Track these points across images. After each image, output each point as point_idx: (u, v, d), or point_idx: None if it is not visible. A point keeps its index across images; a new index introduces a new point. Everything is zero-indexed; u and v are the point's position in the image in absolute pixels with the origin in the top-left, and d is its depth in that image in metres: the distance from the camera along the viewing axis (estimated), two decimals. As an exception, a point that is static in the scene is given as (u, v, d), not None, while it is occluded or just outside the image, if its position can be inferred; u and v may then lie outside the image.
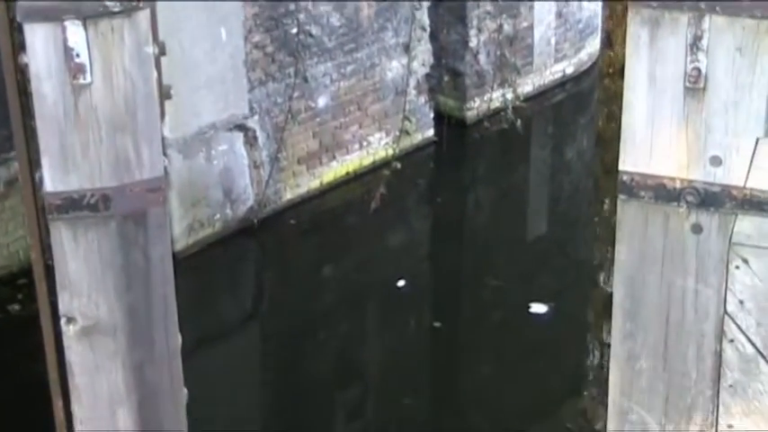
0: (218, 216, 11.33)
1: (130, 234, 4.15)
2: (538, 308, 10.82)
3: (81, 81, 3.93)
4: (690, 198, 4.05)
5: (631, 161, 4.08)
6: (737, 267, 4.06)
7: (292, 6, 11.71)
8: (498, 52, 13.88)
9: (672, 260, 4.15)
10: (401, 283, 11.13)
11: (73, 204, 4.06)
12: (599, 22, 14.67)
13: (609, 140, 13.33)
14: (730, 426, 4.40)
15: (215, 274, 10.96)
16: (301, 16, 11.78)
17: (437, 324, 10.81)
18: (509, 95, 13.72)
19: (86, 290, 4.19)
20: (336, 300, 10.93)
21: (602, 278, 10.60)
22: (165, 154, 4.27)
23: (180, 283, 4.46)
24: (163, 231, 4.23)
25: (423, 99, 13.33)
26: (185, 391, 4.48)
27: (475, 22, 13.66)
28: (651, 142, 4.04)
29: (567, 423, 9.45)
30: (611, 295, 4.46)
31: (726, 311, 4.14)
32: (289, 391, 9.48)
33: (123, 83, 3.99)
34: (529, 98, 13.96)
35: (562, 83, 14.70)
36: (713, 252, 4.08)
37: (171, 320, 4.35)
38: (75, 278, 4.17)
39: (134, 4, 3.94)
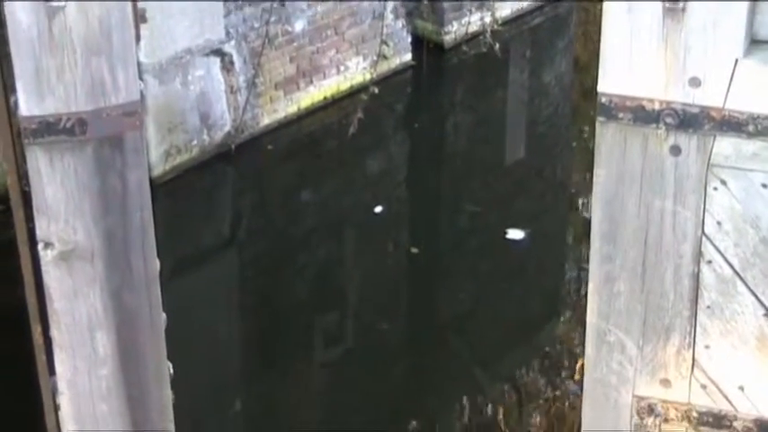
0: (194, 142, 11.29)
1: (107, 158, 4.12)
2: (515, 233, 10.84)
3: (55, 3, 3.88)
4: (668, 119, 4.04)
5: (610, 82, 4.06)
6: (715, 189, 4.07)
7: (268, -71, 11.59)
8: (475, -24, 13.80)
9: (650, 182, 4.16)
10: (378, 208, 11.14)
11: (48, 128, 4.03)
12: (576, -56, 14.59)
13: (586, 64, 13.33)
14: (707, 346, 4.43)
15: (192, 200, 10.94)
16: (277, -61, 11.68)
17: (414, 250, 10.83)
18: (487, 19, 13.64)
19: (63, 215, 4.17)
20: (314, 225, 10.93)
21: (579, 202, 10.61)
22: (140, 79, 4.23)
23: (157, 208, 4.45)
24: (139, 156, 4.20)
25: (400, 23, 13.26)
26: (164, 315, 4.48)
27: (452, -55, 13.57)
28: (630, 63, 4.03)
29: (546, 347, 9.53)
30: (589, 219, 4.46)
31: (703, 233, 4.15)
32: (267, 316, 9.52)
33: (98, 5, 3.94)
34: (507, 22, 13.89)
35: (540, 6, 14.63)
36: (691, 174, 4.08)
37: (149, 245, 4.33)
38: (52, 203, 4.14)
39: (107, -76, 3.89)
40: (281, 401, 8.83)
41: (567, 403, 8.63)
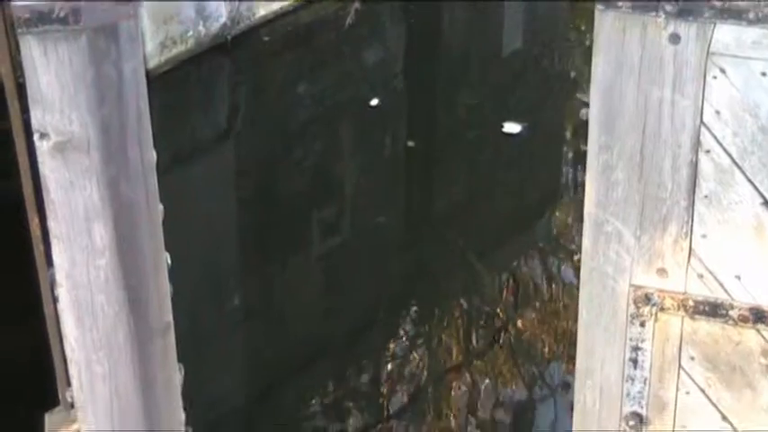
0: (190, 33, 11.20)
1: (102, 48, 4.08)
2: (511, 126, 10.81)
3: None
4: (668, 7, 4.00)
5: (609, -31, 4.03)
6: (714, 77, 4.04)
7: None
8: None
9: (649, 71, 4.13)
10: (375, 101, 11.09)
11: (41, 18, 3.99)
12: None
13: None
14: (704, 236, 4.44)
15: (188, 92, 10.89)
16: None
17: (411, 143, 10.81)
18: None
19: (58, 105, 4.14)
20: (310, 117, 10.89)
21: (577, 92, 10.56)
22: (135, -33, 4.17)
23: (153, 100, 4.41)
24: (135, 45, 4.16)
25: None
26: (161, 206, 4.47)
27: None
28: (630, -51, 3.98)
29: (543, 237, 9.56)
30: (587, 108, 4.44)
31: (702, 122, 4.14)
32: (264, 208, 9.52)
33: None
34: None
35: None
36: (690, 62, 4.05)
37: (145, 136, 4.31)
38: (47, 93, 4.12)
39: None
40: (279, 293, 8.87)
41: (563, 293, 8.68)
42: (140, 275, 4.38)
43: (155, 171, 4.40)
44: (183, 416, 4.97)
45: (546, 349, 8.31)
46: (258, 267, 9.01)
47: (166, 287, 4.54)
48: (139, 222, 4.33)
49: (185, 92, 10.82)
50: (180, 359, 4.85)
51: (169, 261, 4.55)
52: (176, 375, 4.76)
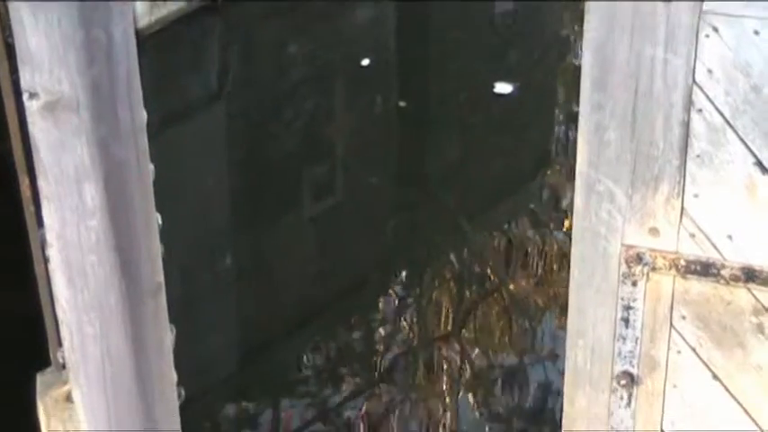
0: (180, -7, 11.15)
1: (91, 9, 4.05)
2: (503, 87, 10.78)
3: None
4: (661, -34, 3.99)
5: (602, -74, 4.01)
6: (707, 36, 4.03)
7: None
8: None
9: (641, 30, 4.11)
10: (366, 61, 11.06)
11: (31, -22, 3.96)
12: None
13: None
14: (696, 195, 4.44)
15: (179, 52, 10.85)
16: None
17: (402, 103, 10.78)
18: None
19: (48, 65, 4.11)
20: (301, 78, 10.86)
21: (570, 52, 10.53)
22: (123, -74, 4.14)
23: (143, 60, 4.38)
24: (125, 6, 4.13)
25: None
26: (152, 166, 4.45)
27: None
28: None
29: (535, 198, 9.56)
30: (579, 68, 4.43)
31: (694, 81, 4.13)
32: (256, 169, 9.50)
33: None
34: None
35: None
36: (683, 21, 4.04)
37: (135, 96, 4.29)
38: (36, 54, 4.09)
39: None
40: (270, 254, 8.87)
41: (555, 254, 8.69)
42: (131, 236, 4.37)
43: (145, 131, 4.38)
44: (174, 377, 4.97)
45: (538, 310, 8.33)
46: (249, 228, 9.00)
47: (157, 248, 4.52)
48: (130, 183, 4.31)
49: (176, 52, 10.78)
50: (172, 320, 4.84)
51: (160, 221, 4.53)
52: (168, 336, 4.76)
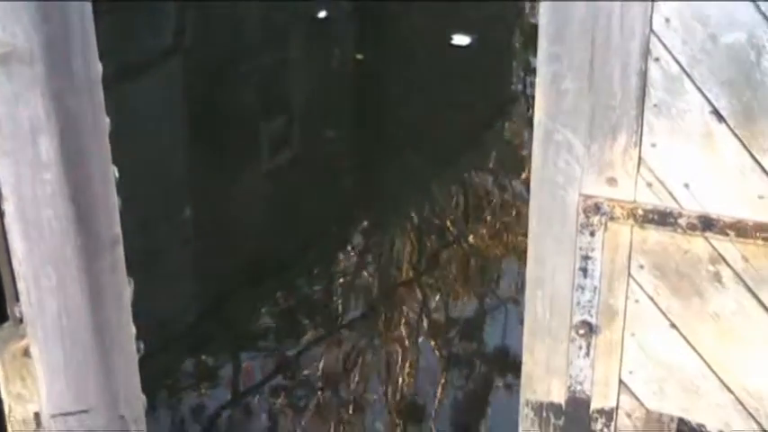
0: (135, -54, 11.03)
1: (44, -39, 4.02)
2: (461, 39, 10.76)
3: None
4: None
5: None
6: (665, -15, 4.03)
7: None
8: None
9: (598, -21, 4.11)
10: (322, 13, 11.00)
11: (-18, -71, 3.91)
12: None
13: None
14: (654, 145, 4.45)
15: (135, 9, 10.74)
16: None
17: (359, 56, 10.74)
18: None
19: (1, 19, 4.08)
20: (258, 31, 10.78)
21: (527, 7, 10.52)
22: None
23: (99, 17, 4.35)
24: (78, -43, 4.10)
25: None
26: (107, 120, 4.42)
27: None
28: None
29: (494, 150, 9.58)
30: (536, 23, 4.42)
31: (652, 30, 4.13)
32: (213, 123, 9.45)
33: None
34: None
35: None
36: (641, -30, 4.04)
37: (89, 49, 4.26)
38: (-11, 6, 4.05)
39: None
40: (229, 207, 8.84)
41: (514, 205, 8.71)
42: (87, 189, 4.35)
43: (100, 85, 4.35)
44: (133, 330, 4.96)
45: (498, 261, 8.36)
46: (207, 182, 8.96)
47: (114, 200, 4.51)
48: (85, 136, 4.29)
49: (132, 9, 10.67)
50: (130, 273, 4.83)
51: (116, 174, 4.51)
52: (126, 289, 4.75)
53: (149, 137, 8.67)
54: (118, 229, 4.56)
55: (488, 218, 8.87)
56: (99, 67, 4.35)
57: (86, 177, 4.32)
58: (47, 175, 4.24)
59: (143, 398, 5.11)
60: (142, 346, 5.03)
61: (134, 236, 4.92)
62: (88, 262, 4.46)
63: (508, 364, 6.95)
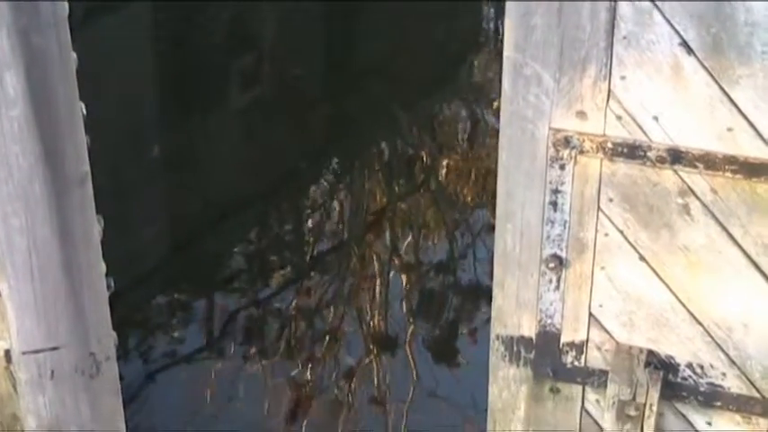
0: None
1: None
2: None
3: None
4: None
5: None
6: None
7: None
8: None
9: None
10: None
11: None
12: None
13: None
14: (623, 77, 4.44)
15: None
16: None
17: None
18: None
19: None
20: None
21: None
22: None
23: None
24: None
25: None
26: (75, 57, 4.39)
27: None
28: None
29: (464, 85, 9.56)
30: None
31: (621, -37, 4.11)
32: (182, 61, 9.39)
33: None
34: None
35: None
36: None
37: (55, -16, 4.23)
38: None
39: None
40: (199, 145, 8.81)
41: (485, 140, 8.72)
42: (55, 126, 4.33)
43: (67, 22, 4.32)
44: (103, 267, 4.95)
45: (468, 195, 8.37)
46: (177, 119, 8.93)
47: (82, 137, 4.48)
48: (52, 72, 4.26)
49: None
50: (99, 212, 4.81)
51: (84, 111, 4.48)
52: (95, 227, 4.73)
53: (119, 74, 8.61)
54: (86, 167, 4.54)
55: (460, 152, 8.87)
56: (65, 5, 4.32)
57: (53, 114, 4.30)
58: (13, 111, 4.22)
59: (114, 335, 5.12)
60: (112, 283, 5.03)
61: (104, 175, 4.91)
62: (57, 199, 4.44)
63: (480, 298, 6.98)
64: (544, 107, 4.64)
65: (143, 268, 7.41)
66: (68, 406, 4.98)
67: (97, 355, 4.98)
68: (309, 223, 8.13)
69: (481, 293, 6.88)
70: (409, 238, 7.91)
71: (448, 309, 7.25)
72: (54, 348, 4.75)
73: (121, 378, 5.67)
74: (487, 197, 7.87)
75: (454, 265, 7.65)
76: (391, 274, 7.57)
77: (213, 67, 9.44)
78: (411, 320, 7.11)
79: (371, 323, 7.13)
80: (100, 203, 4.76)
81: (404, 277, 7.53)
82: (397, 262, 7.68)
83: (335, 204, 8.34)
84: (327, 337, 7.01)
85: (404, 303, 7.28)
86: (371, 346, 6.90)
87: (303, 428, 6.32)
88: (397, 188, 8.55)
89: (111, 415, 5.25)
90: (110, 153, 7.88)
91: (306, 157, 8.71)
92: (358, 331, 7.06)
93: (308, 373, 6.70)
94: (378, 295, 7.35)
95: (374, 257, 7.71)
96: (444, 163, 8.73)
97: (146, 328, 7.08)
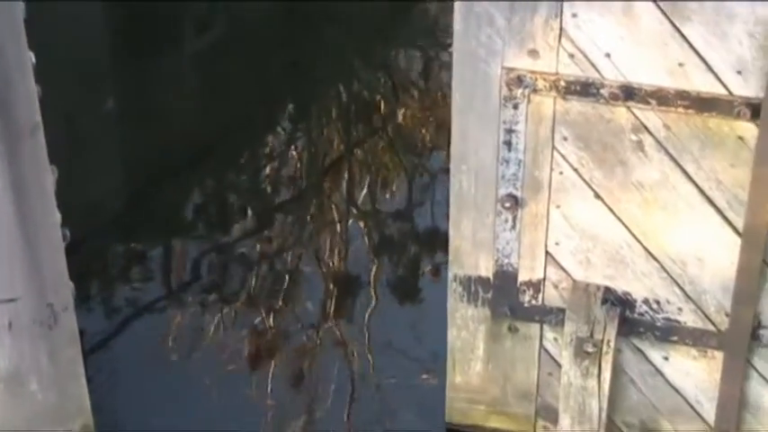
0: None
1: None
2: None
3: None
4: None
5: None
6: None
7: None
8: None
9: None
10: None
11: None
12: None
13: None
14: (574, 15, 4.46)
15: None
16: None
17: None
18: None
19: None
20: None
21: None
22: None
23: None
24: None
25: None
26: (22, 5, 4.36)
27: None
28: None
29: (418, 25, 9.55)
30: None
31: None
32: (133, 6, 9.26)
33: None
34: None
35: None
36: None
37: None
38: None
39: None
40: (153, 92, 8.74)
41: (442, 84, 8.71)
42: (4, 75, 4.29)
43: (12, -32, 4.28)
44: (58, 217, 4.93)
45: (425, 138, 8.36)
46: (131, 67, 8.84)
47: (32, 87, 4.45)
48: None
49: None
50: (54, 162, 4.79)
51: (33, 60, 4.45)
52: (49, 176, 4.71)
53: (68, 21, 8.51)
54: (38, 117, 4.51)
55: (416, 96, 8.85)
56: (10, -48, 4.27)
57: (2, 64, 4.26)
58: (-40, 61, 4.18)
59: (71, 285, 5.10)
60: (68, 233, 5.00)
61: (58, 125, 4.87)
62: (8, 149, 4.41)
63: (437, 242, 6.99)
64: (496, 46, 4.64)
65: (100, 219, 7.36)
66: (27, 357, 4.98)
67: (55, 305, 4.97)
68: (267, 170, 8.10)
69: (441, 236, 6.89)
70: (367, 183, 7.90)
71: (408, 251, 7.26)
72: (11, 300, 4.74)
73: (82, 330, 5.68)
74: (445, 140, 7.88)
75: (412, 209, 7.65)
76: (352, 217, 7.57)
77: (165, 12, 9.33)
78: (372, 264, 7.12)
79: (333, 268, 7.13)
80: (54, 154, 4.72)
81: (363, 220, 7.53)
82: (355, 207, 7.68)
83: (293, 151, 8.31)
84: (289, 284, 7.00)
85: (364, 247, 7.29)
86: (333, 290, 6.90)
87: (269, 375, 6.33)
88: (354, 133, 8.53)
89: (71, 365, 5.25)
90: (62, 104, 7.82)
91: (262, 104, 8.65)
92: (319, 276, 7.06)
93: (271, 320, 6.70)
94: (338, 240, 7.35)
95: (333, 203, 7.70)
96: (401, 107, 8.71)
97: (105, 279, 7.04)
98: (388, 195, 7.84)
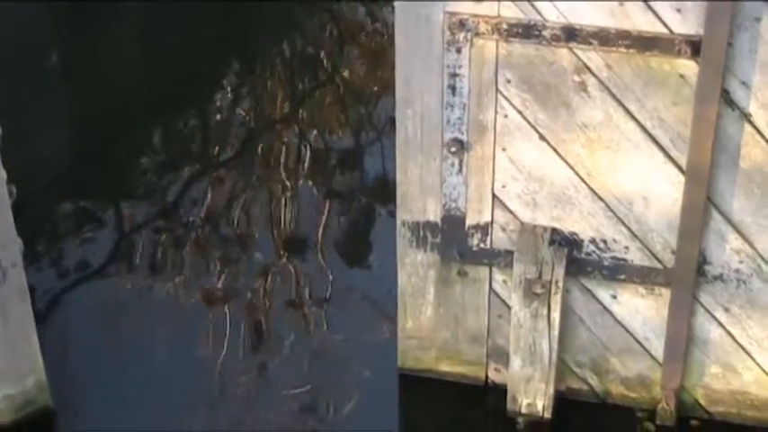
0: None
1: None
2: None
3: None
4: None
5: None
6: None
7: None
8: None
9: None
10: None
11: None
12: None
13: None
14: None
15: None
16: None
17: None
18: None
19: None
20: None
21: None
22: None
23: None
24: None
25: None
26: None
27: None
28: None
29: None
30: None
31: None
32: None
33: None
34: None
35: None
36: None
37: None
38: None
39: None
40: (97, 48, 8.67)
41: (387, 34, 8.69)
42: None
43: None
44: (4, 175, 4.91)
45: (373, 90, 8.36)
46: (72, 24, 8.76)
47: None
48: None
49: None
50: (-4, 119, 4.77)
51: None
52: (-8, 133, 4.69)
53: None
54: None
55: (362, 47, 8.84)
56: None
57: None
58: None
59: (19, 242, 5.09)
60: (14, 190, 4.99)
61: (1, 85, 4.84)
62: (-50, 106, 4.38)
63: (387, 192, 7.00)
64: (438, -10, 4.65)
65: (47, 177, 7.32)
66: (-23, 314, 4.97)
67: (2, 261, 4.96)
68: (214, 125, 8.07)
69: (389, 186, 6.90)
70: (315, 136, 7.90)
71: (357, 203, 7.27)
72: (-42, 257, 4.72)
73: (33, 288, 5.67)
74: (392, 88, 7.89)
75: (361, 161, 7.66)
76: (299, 172, 7.56)
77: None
78: (321, 217, 7.13)
79: (282, 226, 7.13)
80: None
81: (311, 175, 7.52)
82: (304, 161, 7.67)
83: (239, 106, 8.29)
84: (239, 244, 7.00)
85: (313, 201, 7.29)
86: (283, 250, 6.90)
87: (221, 331, 6.33)
88: (301, 86, 8.51)
89: (22, 322, 5.25)
90: (4, 63, 7.76)
91: (207, 60, 8.61)
92: (269, 235, 7.05)
93: (222, 282, 6.70)
94: (286, 195, 7.35)
95: (281, 157, 7.69)
96: (347, 58, 8.70)
97: (54, 238, 7.02)
98: (336, 146, 7.85)
